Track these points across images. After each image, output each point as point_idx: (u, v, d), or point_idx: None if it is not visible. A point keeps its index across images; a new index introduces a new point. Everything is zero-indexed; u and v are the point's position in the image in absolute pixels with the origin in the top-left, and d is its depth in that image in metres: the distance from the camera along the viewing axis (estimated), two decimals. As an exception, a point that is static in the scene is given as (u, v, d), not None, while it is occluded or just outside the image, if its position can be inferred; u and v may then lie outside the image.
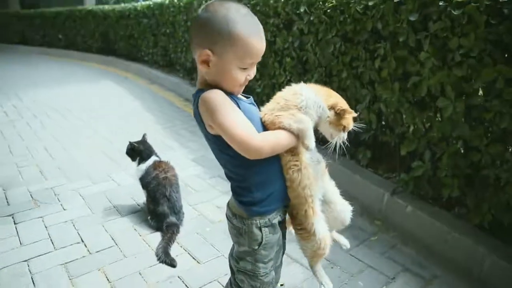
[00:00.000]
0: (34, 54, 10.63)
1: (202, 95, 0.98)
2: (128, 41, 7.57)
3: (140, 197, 2.47)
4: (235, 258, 1.16)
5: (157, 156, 2.39)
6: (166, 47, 6.18)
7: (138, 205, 2.48)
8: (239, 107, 1.01)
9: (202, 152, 3.36)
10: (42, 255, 1.96)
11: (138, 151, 2.33)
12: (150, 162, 2.32)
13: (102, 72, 7.82)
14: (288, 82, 1.97)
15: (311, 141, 1.04)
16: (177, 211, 2.21)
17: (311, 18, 2.59)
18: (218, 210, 2.40)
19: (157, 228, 2.19)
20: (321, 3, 2.48)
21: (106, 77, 7.23)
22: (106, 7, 8.49)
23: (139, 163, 2.34)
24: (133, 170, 2.41)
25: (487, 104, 1.68)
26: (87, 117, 4.60)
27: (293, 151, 1.07)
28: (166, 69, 6.55)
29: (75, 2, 10.55)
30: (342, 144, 1.13)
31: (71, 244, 2.05)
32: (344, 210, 1.25)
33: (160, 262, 1.90)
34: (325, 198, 1.20)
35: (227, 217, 1.17)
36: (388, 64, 2.11)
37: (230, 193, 1.15)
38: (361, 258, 1.93)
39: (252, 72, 1.03)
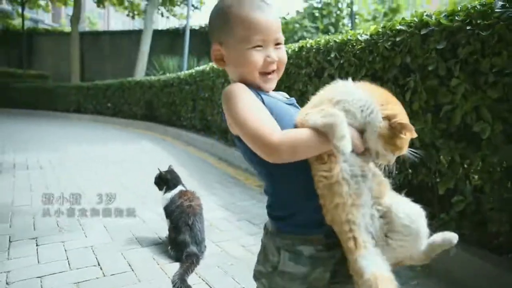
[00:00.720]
0: (84, 121, 11.57)
1: (223, 90, 0.90)
2: (169, 107, 8.09)
3: (163, 232, 2.40)
4: (253, 274, 1.00)
5: (184, 186, 2.37)
6: (204, 110, 6.52)
7: (160, 238, 2.41)
8: (263, 102, 0.88)
9: (232, 200, 3.30)
10: (57, 273, 1.91)
11: (165, 179, 2.34)
12: (176, 191, 2.31)
13: (142, 135, 8.28)
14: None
15: (342, 141, 0.76)
16: (198, 242, 2.12)
17: (341, 62, 2.68)
18: (242, 249, 2.24)
19: (177, 259, 2.08)
20: (350, 46, 2.59)
21: (145, 139, 7.63)
22: (153, 77, 9.31)
23: (165, 192, 2.33)
24: (159, 199, 2.39)
25: (529, 123, 1.58)
26: (123, 166, 4.79)
27: (323, 158, 0.83)
28: (202, 132, 6.84)
29: (127, 74, 11.68)
30: (388, 171, 0.87)
31: (87, 267, 1.99)
32: (410, 213, 0.86)
33: (175, 289, 1.78)
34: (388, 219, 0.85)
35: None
36: (419, 96, 2.08)
37: (257, 235, 1.03)
38: (400, 299, 1.70)
39: (274, 54, 0.90)
